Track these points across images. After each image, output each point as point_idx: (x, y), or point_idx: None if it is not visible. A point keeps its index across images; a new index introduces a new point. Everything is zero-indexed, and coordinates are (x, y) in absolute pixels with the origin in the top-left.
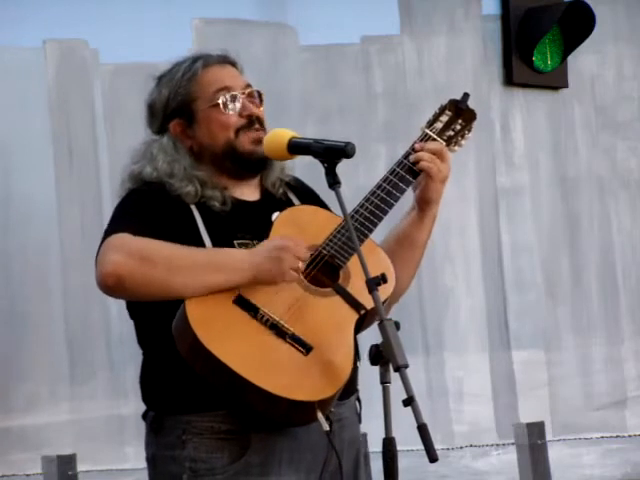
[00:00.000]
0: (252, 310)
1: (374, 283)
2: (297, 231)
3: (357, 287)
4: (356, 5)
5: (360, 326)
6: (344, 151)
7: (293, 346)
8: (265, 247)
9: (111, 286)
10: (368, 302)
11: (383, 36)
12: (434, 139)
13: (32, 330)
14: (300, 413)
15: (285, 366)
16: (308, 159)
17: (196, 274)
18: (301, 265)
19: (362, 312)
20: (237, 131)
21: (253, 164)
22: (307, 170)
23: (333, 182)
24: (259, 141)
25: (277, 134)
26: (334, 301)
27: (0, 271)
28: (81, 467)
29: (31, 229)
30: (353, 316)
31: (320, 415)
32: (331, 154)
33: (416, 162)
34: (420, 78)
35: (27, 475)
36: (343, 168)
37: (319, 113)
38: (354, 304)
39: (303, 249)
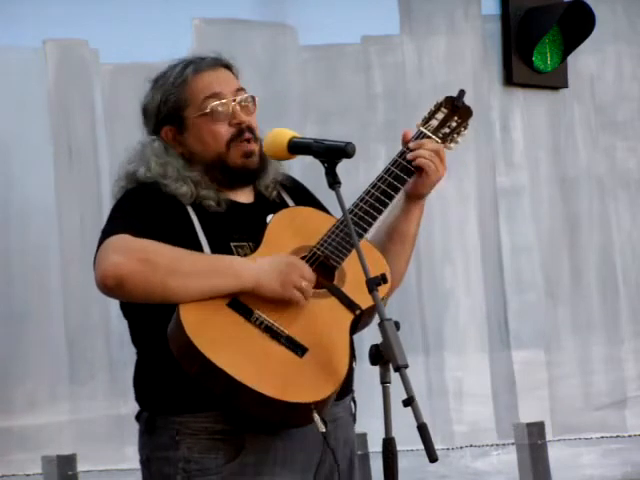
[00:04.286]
0: (246, 313)
1: (374, 283)
2: (292, 232)
3: (352, 287)
4: (356, 5)
5: (356, 326)
6: (344, 151)
7: (288, 348)
8: (271, 259)
9: (111, 287)
10: (363, 302)
11: (383, 36)
12: (429, 137)
13: (32, 330)
14: (296, 415)
15: (280, 368)
16: (308, 159)
17: (197, 278)
18: (305, 284)
19: (357, 312)
20: (228, 143)
21: (243, 177)
22: (307, 170)
23: (333, 182)
24: (250, 154)
25: (277, 134)
26: (329, 302)
27: (0, 271)
28: (81, 467)
29: (31, 229)
30: (348, 317)
31: (317, 416)
32: (331, 154)
33: (413, 159)
34: (420, 78)
35: (27, 475)
36: (343, 168)
37: (319, 113)
38: (349, 304)
39: (309, 270)
